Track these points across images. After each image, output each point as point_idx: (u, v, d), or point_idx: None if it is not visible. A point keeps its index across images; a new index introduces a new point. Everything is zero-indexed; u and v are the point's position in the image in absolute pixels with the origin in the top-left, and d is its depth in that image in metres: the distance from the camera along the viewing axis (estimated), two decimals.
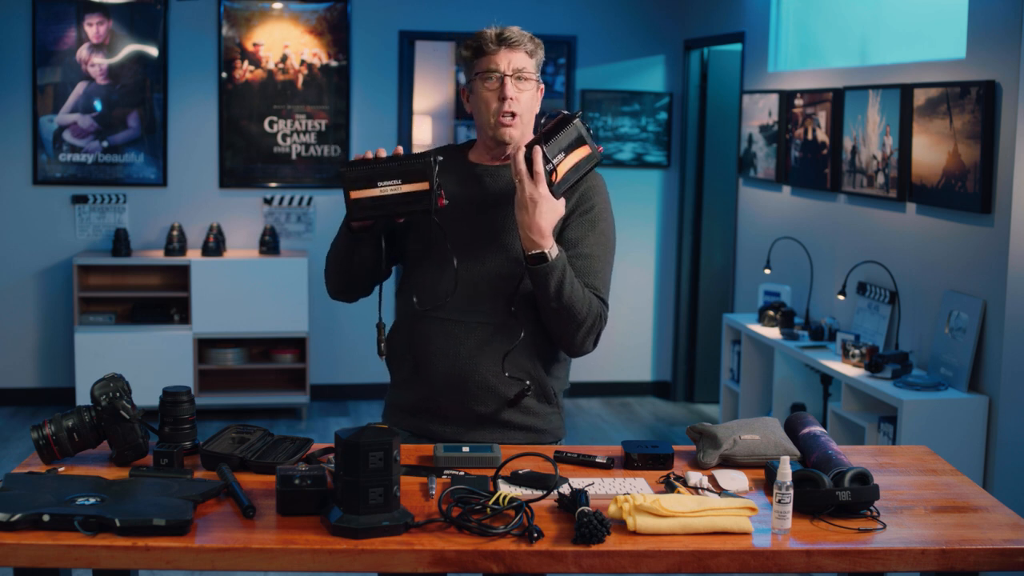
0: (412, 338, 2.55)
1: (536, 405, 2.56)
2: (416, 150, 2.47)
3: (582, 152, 2.44)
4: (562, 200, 2.43)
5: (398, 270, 2.74)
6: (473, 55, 2.53)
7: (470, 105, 2.59)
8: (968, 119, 4.08)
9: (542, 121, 2.46)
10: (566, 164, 2.42)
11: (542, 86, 2.59)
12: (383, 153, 2.40)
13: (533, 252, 2.39)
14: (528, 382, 2.51)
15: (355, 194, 2.38)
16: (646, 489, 2.26)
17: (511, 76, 2.48)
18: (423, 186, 2.37)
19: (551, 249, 2.39)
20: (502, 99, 2.49)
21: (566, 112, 2.45)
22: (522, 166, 2.37)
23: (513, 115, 2.50)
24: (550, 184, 2.39)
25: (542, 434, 2.58)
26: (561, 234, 2.51)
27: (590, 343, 2.51)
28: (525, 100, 2.52)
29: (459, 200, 2.54)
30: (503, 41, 2.49)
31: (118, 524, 1.94)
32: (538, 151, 2.37)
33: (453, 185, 2.56)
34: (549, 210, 2.37)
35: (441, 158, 2.41)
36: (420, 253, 2.56)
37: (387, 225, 2.54)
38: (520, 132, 2.53)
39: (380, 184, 2.37)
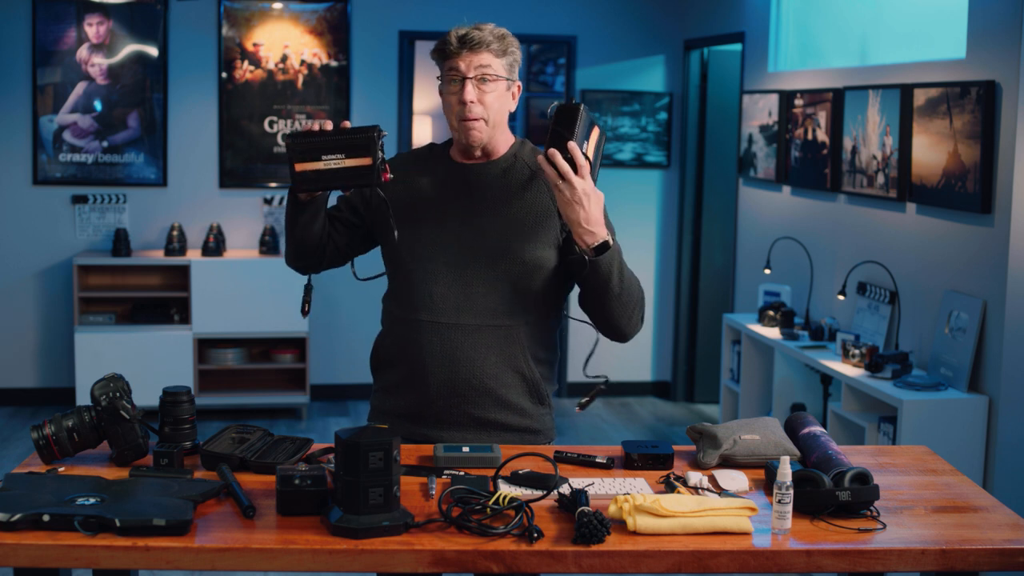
0: (403, 343, 2.53)
1: (530, 406, 2.56)
2: (419, 147, 2.47)
3: (595, 134, 2.42)
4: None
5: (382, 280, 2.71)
6: (440, 57, 2.50)
7: (443, 106, 2.57)
8: (968, 119, 4.08)
9: (548, 113, 2.42)
10: (590, 149, 2.39)
11: (518, 84, 2.54)
12: (329, 126, 2.39)
13: (597, 244, 2.37)
14: (606, 376, 2.52)
15: (300, 166, 2.38)
16: (646, 489, 2.26)
17: (472, 79, 2.45)
18: (365, 161, 2.37)
19: (609, 236, 2.39)
20: (462, 103, 2.45)
21: (563, 103, 2.40)
22: (565, 165, 2.30)
23: (477, 119, 2.46)
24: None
25: (536, 435, 2.58)
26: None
27: (641, 321, 2.53)
28: (490, 102, 2.47)
29: (446, 200, 2.52)
30: (465, 43, 2.44)
31: (118, 524, 1.94)
32: (574, 146, 2.32)
33: (438, 185, 2.54)
34: (598, 199, 2.35)
35: (386, 133, 2.41)
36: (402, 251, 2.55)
37: (353, 213, 2.53)
38: (486, 136, 2.49)
39: (324, 158, 2.37)
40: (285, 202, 2.58)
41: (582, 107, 2.37)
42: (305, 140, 2.38)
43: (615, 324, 2.49)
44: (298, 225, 2.52)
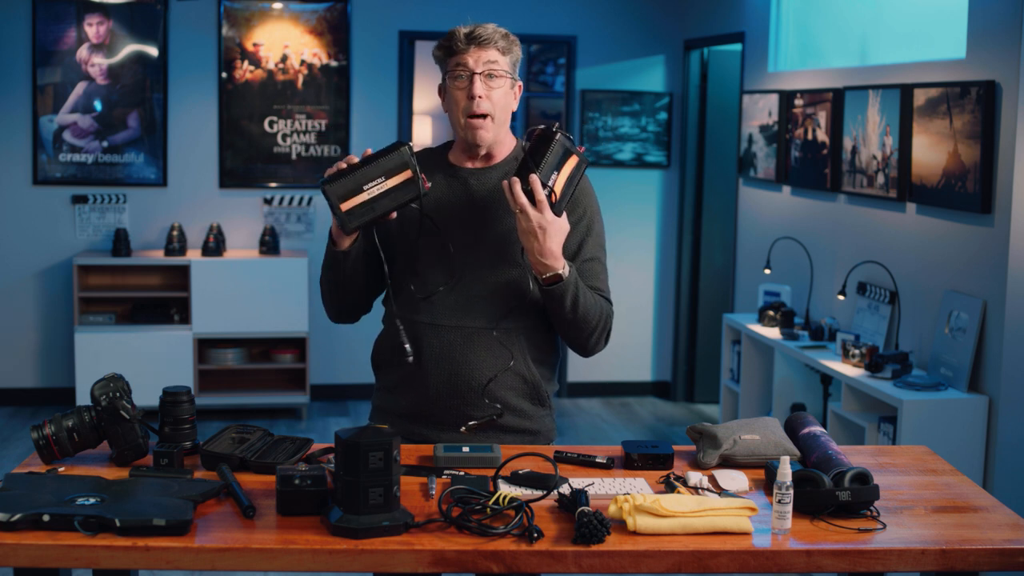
0: (401, 343, 2.53)
1: (530, 408, 2.56)
2: (416, 150, 2.46)
3: (571, 163, 2.42)
4: (564, 215, 2.41)
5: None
6: (445, 54, 2.49)
7: (445, 105, 2.56)
8: (968, 119, 4.08)
9: (523, 141, 2.43)
10: (560, 180, 2.39)
11: (519, 84, 2.55)
12: (355, 160, 2.38)
13: (548, 275, 2.39)
14: (499, 406, 2.51)
15: (345, 205, 2.37)
16: (646, 489, 2.26)
17: (481, 74, 2.45)
18: (407, 175, 2.37)
19: (564, 268, 2.39)
20: (471, 97, 2.45)
21: (543, 128, 2.41)
22: (523, 198, 2.33)
23: (484, 116, 2.46)
24: (552, 205, 2.37)
25: (535, 436, 2.58)
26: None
27: (602, 343, 2.55)
28: (497, 98, 2.48)
29: (446, 205, 2.52)
30: (473, 40, 2.45)
31: (118, 524, 1.94)
32: (535, 179, 2.34)
33: (437, 190, 2.53)
34: (556, 232, 2.36)
35: (413, 143, 2.41)
36: (409, 254, 2.54)
37: (378, 231, 2.52)
38: (492, 134, 2.50)
39: (366, 188, 2.37)
40: (324, 261, 2.56)
41: (558, 136, 2.38)
42: (340, 179, 2.36)
43: (569, 342, 2.55)
44: (345, 275, 2.51)
